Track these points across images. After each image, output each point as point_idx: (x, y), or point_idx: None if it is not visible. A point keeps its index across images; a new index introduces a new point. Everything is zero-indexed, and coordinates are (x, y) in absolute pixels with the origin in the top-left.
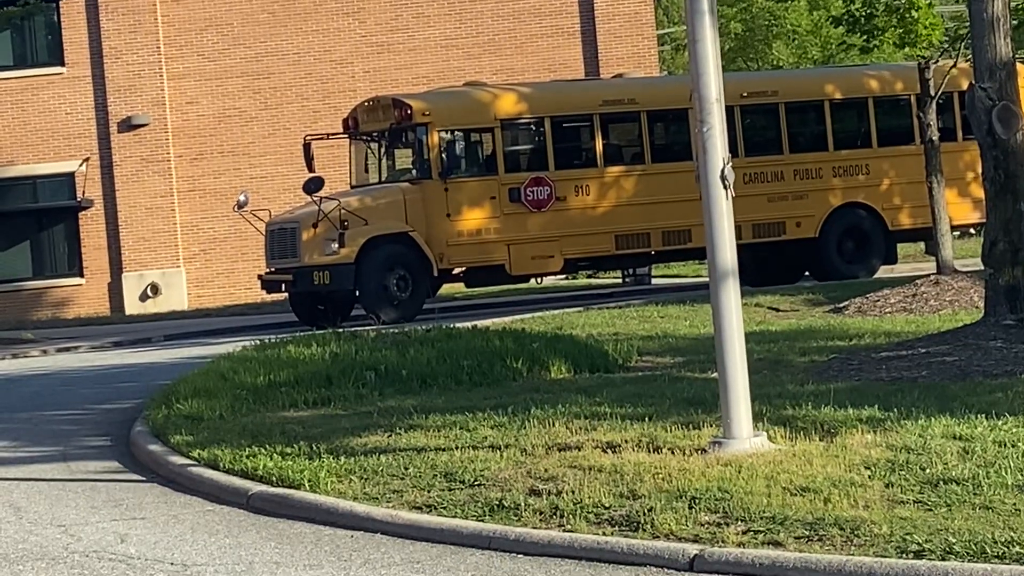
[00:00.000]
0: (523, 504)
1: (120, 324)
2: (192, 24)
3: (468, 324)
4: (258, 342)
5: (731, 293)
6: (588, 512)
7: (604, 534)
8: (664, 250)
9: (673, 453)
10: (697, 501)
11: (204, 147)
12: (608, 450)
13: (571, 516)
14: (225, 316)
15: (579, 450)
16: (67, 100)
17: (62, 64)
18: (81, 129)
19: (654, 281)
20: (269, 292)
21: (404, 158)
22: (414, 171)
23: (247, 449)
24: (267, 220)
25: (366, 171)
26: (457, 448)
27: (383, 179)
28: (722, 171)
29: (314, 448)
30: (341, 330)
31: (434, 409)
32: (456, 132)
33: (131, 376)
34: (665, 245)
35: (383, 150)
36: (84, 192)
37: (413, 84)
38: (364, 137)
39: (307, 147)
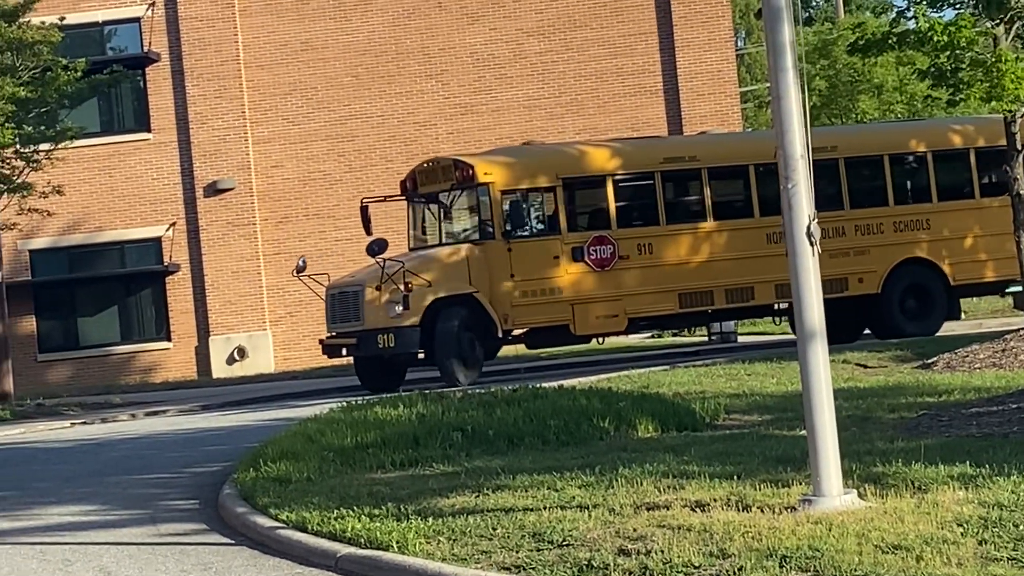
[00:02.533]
0: (612, 564)
1: (207, 387)
2: (276, 89)
3: (553, 384)
4: (345, 404)
5: (819, 350)
6: (678, 572)
7: None
8: (726, 308)
9: (763, 511)
10: (788, 560)
11: (289, 210)
12: (697, 509)
13: None
14: (312, 378)
15: (668, 509)
16: (154, 166)
17: (148, 130)
18: (168, 194)
19: (740, 338)
20: (331, 357)
21: (464, 219)
22: (476, 232)
23: (335, 511)
24: (327, 284)
25: (424, 233)
26: (545, 508)
27: (442, 241)
28: (808, 227)
29: (402, 509)
30: (423, 392)
31: (521, 469)
32: (518, 192)
33: (219, 439)
34: (728, 303)
35: (443, 211)
36: (171, 257)
37: (496, 145)
38: (422, 199)
39: (364, 210)
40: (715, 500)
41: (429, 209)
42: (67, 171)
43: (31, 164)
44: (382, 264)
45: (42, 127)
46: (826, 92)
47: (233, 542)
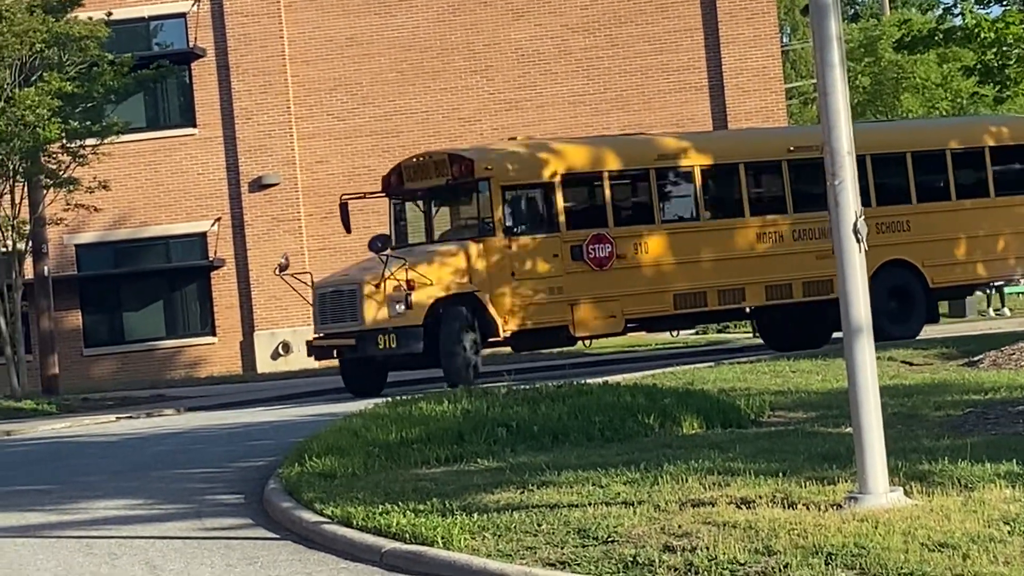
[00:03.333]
0: (657, 560)
1: (252, 382)
2: (321, 84)
3: (598, 380)
4: (389, 399)
5: (865, 347)
6: (723, 568)
7: None
8: (718, 310)
9: (808, 509)
10: (833, 557)
11: (334, 206)
12: (742, 506)
13: (706, 572)
14: None
15: (713, 506)
16: (199, 161)
17: (194, 126)
18: (213, 189)
19: None
20: (318, 359)
21: (460, 215)
22: (474, 229)
23: (380, 506)
24: (315, 282)
25: (407, 231)
26: (590, 504)
27: (433, 238)
28: (855, 224)
29: (447, 505)
30: (468, 389)
31: (566, 465)
32: (518, 187)
33: (263, 434)
34: (721, 304)
35: (435, 208)
36: (216, 252)
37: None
38: (409, 195)
39: (344, 207)
40: (760, 497)
41: (418, 205)
42: (113, 166)
43: (77, 159)
44: (385, 260)
45: (88, 122)
46: (870, 89)
47: (278, 537)
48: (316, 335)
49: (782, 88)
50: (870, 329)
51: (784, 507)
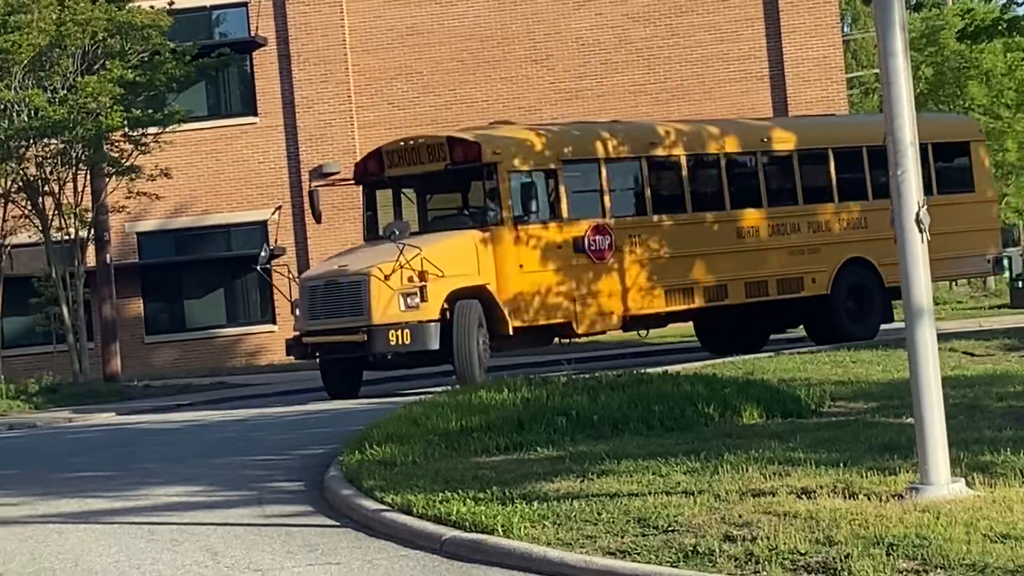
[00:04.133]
0: (717, 550)
1: (312, 371)
2: (382, 73)
3: (659, 369)
4: (449, 388)
5: (927, 336)
6: (784, 558)
7: None
8: (707, 307)
9: (869, 499)
10: (895, 548)
11: None
12: (803, 496)
13: (766, 562)
14: None
15: (773, 496)
16: (260, 149)
17: (255, 114)
18: (273, 178)
19: None
20: (300, 357)
21: (460, 203)
22: (478, 217)
23: (440, 494)
24: (303, 274)
25: (384, 219)
26: (650, 494)
27: (426, 228)
28: (917, 214)
29: (507, 493)
30: (528, 377)
31: (626, 454)
32: (524, 174)
33: (324, 422)
34: (707, 301)
35: (427, 196)
36: (276, 240)
37: None
38: (394, 183)
39: (313, 196)
40: (821, 487)
41: (404, 194)
42: (174, 154)
43: (139, 147)
44: (401, 249)
45: (150, 111)
46: (932, 79)
47: (338, 524)
48: (301, 331)
49: (843, 78)
50: (932, 319)
51: (845, 497)
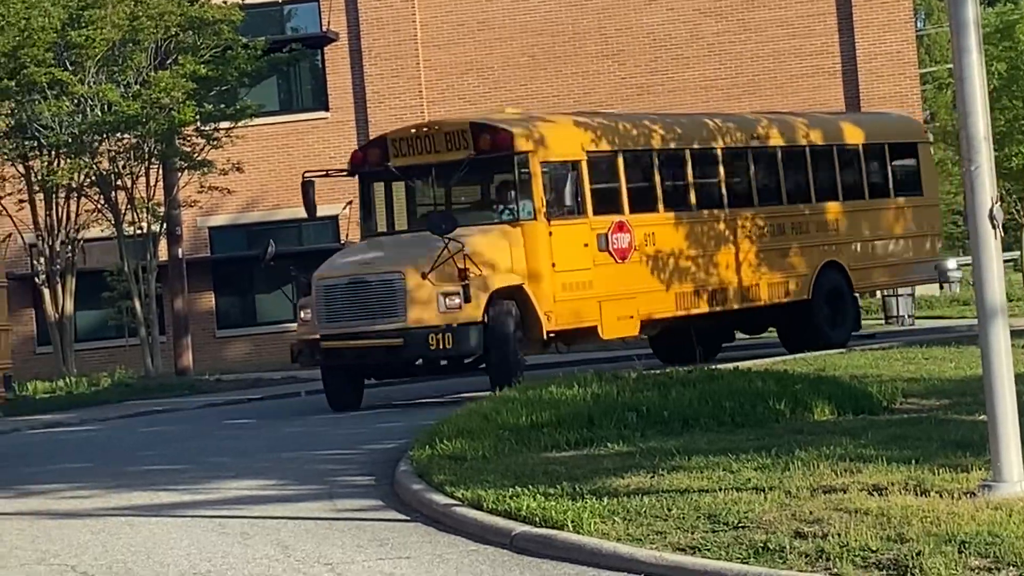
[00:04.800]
0: (788, 546)
1: None
2: (453, 68)
3: (729, 365)
4: (519, 383)
5: (1000, 333)
6: (855, 555)
7: None
8: (708, 312)
9: (941, 496)
10: (967, 545)
11: None
12: (874, 493)
13: (837, 559)
14: None
15: (844, 493)
16: (331, 144)
17: (326, 109)
18: None
19: (916, 322)
20: (307, 366)
21: (485, 196)
22: (507, 212)
23: (510, 489)
24: (319, 271)
25: (387, 214)
26: (720, 490)
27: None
28: (991, 210)
29: (577, 489)
30: (598, 372)
31: (696, 450)
32: (555, 165)
33: (394, 416)
34: (711, 306)
35: (444, 188)
36: (348, 235)
37: None
38: (401, 173)
39: (308, 187)
40: (893, 484)
41: (413, 184)
42: (246, 149)
43: (211, 142)
44: (445, 243)
45: (222, 105)
46: (1006, 75)
47: (408, 519)
48: (316, 335)
49: (916, 73)
50: (1006, 315)
51: (916, 494)
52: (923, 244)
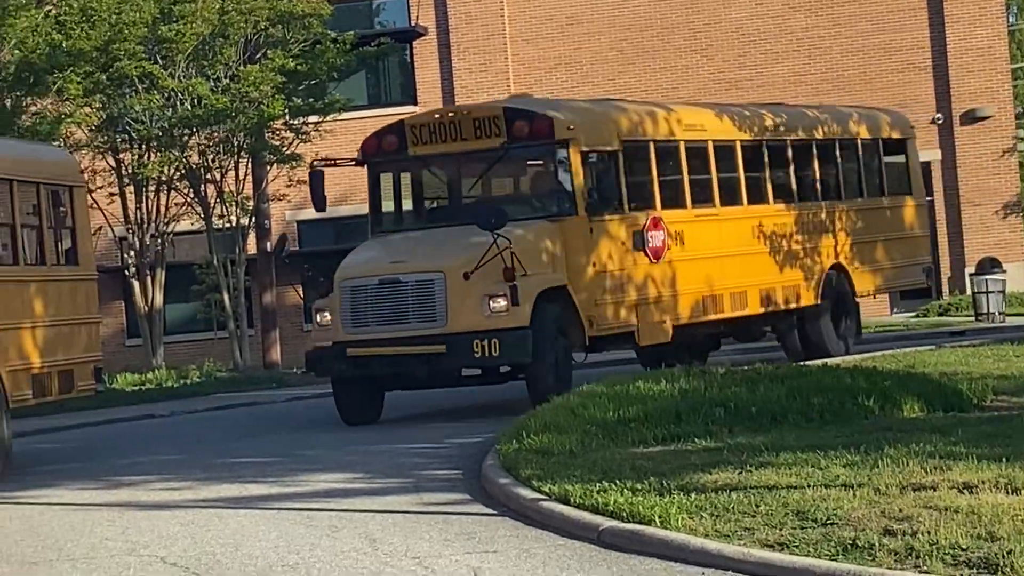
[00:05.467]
0: (877, 544)
1: None
2: (542, 63)
3: (818, 361)
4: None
5: None
6: (944, 553)
7: (961, 574)
8: (733, 317)
9: None
10: None
11: None
12: (964, 490)
13: (927, 557)
14: None
15: (934, 490)
16: None
17: (415, 103)
18: None
19: (1008, 319)
20: (326, 375)
21: (519, 188)
22: (547, 206)
23: (597, 484)
24: (341, 273)
25: (400, 206)
26: (809, 486)
27: (466, 219)
28: None
29: (664, 484)
30: (686, 368)
31: (784, 447)
32: (593, 155)
33: (479, 410)
34: (733, 310)
35: (471, 179)
36: None
37: None
38: (419, 162)
39: (318, 177)
40: (983, 482)
41: (434, 174)
42: (335, 143)
43: (300, 136)
44: (494, 239)
45: (311, 99)
46: None
47: (495, 513)
48: (338, 341)
49: (1008, 68)
50: None
51: (1008, 493)
52: (916, 246)
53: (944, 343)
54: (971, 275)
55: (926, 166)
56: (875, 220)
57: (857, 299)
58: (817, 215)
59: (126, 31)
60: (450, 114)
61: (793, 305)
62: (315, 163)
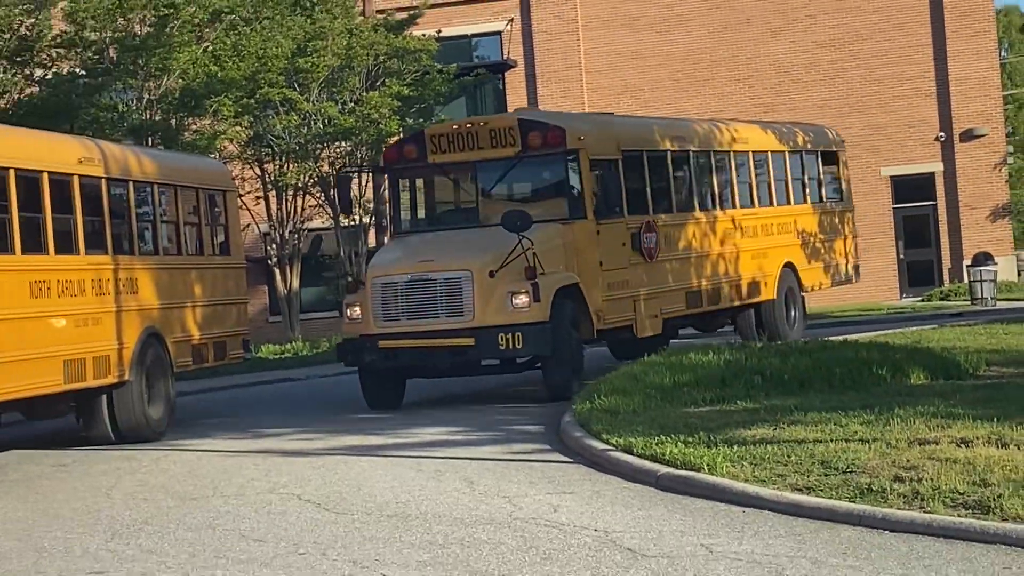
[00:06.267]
0: (888, 489)
1: None
2: (611, 90)
3: (839, 337)
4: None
5: None
6: (945, 497)
7: (959, 516)
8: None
9: (1019, 448)
10: None
11: None
12: (962, 445)
13: (930, 500)
14: None
15: (936, 444)
16: None
17: None
18: None
19: (998, 303)
20: (355, 364)
21: (529, 193)
22: (557, 210)
23: (656, 438)
24: (373, 271)
25: (427, 211)
26: (831, 440)
27: (481, 222)
28: None
29: (711, 438)
30: (729, 342)
31: (811, 408)
32: (599, 163)
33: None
34: (708, 304)
35: (485, 186)
36: None
37: None
38: (438, 170)
39: (344, 182)
40: (978, 438)
41: (452, 179)
42: None
43: None
44: (520, 240)
45: (420, 120)
46: None
47: (571, 461)
48: (369, 333)
49: (1000, 95)
50: None
51: (998, 447)
52: (847, 246)
53: (945, 323)
54: (968, 267)
55: (930, 177)
56: (819, 223)
57: (803, 294)
58: (773, 219)
59: (270, 63)
60: (467, 125)
61: (757, 299)
62: (343, 170)
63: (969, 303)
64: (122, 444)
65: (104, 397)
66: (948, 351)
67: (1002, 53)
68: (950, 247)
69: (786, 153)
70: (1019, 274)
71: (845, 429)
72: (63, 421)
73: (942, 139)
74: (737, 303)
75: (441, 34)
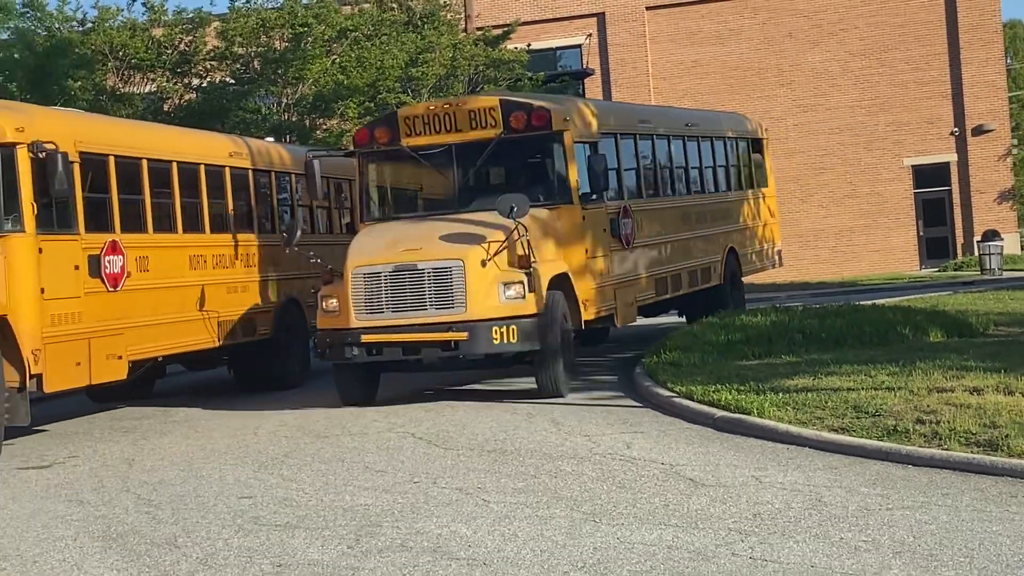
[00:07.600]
0: (911, 429)
1: None
2: (674, 94)
3: (868, 302)
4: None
5: None
6: (959, 436)
7: (972, 453)
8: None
9: (1023, 396)
10: None
11: None
12: (974, 393)
13: (947, 439)
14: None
15: (952, 392)
16: None
17: None
18: None
19: (1004, 274)
20: (336, 359)
21: (511, 177)
22: (544, 195)
23: (712, 386)
24: (353, 259)
25: (396, 194)
26: (862, 389)
27: (461, 207)
28: None
29: (760, 387)
30: (774, 305)
31: (845, 361)
32: (587, 146)
33: (629, 336)
34: (670, 292)
35: (463, 170)
36: None
37: (829, 134)
38: (414, 153)
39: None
40: (987, 387)
41: (429, 163)
42: None
43: None
44: (515, 227)
45: None
46: None
47: (642, 406)
48: (349, 327)
49: (1006, 96)
50: None
51: (1005, 394)
52: (773, 232)
53: (958, 290)
54: (978, 242)
55: (946, 166)
56: (755, 209)
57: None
58: (719, 206)
59: (387, 73)
60: (445, 106)
61: (708, 285)
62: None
63: (979, 273)
64: (266, 390)
65: (251, 352)
66: (961, 313)
67: (1008, 60)
68: (963, 226)
69: (727, 142)
70: (1022, 248)
71: (874, 379)
72: (216, 372)
73: (956, 134)
74: (692, 288)
75: (531, 47)
